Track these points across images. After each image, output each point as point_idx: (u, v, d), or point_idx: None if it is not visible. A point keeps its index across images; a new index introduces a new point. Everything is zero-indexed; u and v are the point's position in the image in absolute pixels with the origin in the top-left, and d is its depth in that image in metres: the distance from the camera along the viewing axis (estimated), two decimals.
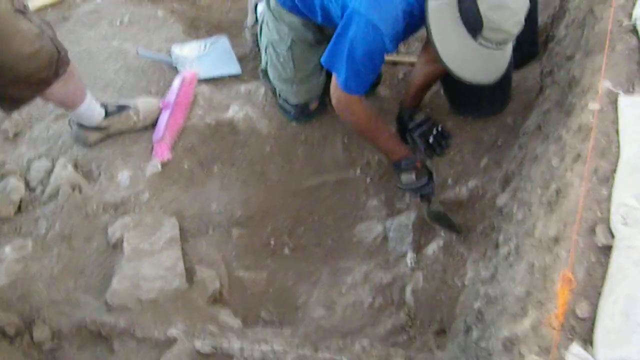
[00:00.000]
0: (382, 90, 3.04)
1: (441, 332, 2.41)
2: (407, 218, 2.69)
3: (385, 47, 2.28)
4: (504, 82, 2.56)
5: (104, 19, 3.38)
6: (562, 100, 2.34)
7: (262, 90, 2.92)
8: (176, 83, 2.84)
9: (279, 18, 2.72)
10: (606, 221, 1.63)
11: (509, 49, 2.27)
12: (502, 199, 2.47)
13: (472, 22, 2.12)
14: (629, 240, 1.55)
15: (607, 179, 1.72)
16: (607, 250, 1.57)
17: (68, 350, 2.41)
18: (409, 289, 2.51)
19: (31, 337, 2.42)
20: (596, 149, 1.83)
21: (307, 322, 2.50)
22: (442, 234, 2.61)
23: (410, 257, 2.59)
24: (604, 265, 1.55)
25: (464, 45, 2.18)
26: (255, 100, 2.90)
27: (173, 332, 2.35)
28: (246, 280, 2.60)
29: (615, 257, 1.53)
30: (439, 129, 2.81)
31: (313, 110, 2.86)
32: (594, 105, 1.98)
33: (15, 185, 2.68)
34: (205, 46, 3.16)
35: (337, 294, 2.57)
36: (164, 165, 2.69)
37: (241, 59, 3.17)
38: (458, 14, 2.15)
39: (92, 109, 2.63)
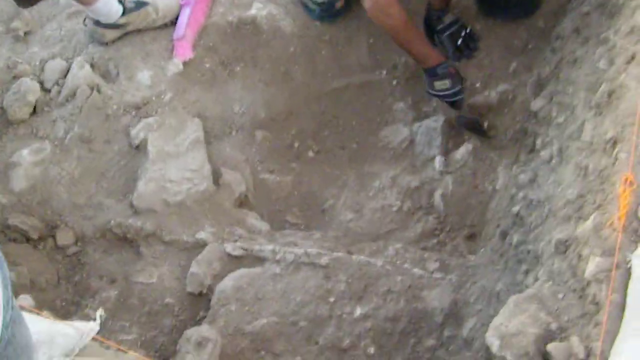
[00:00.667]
0: None
1: (471, 236, 2.40)
2: (435, 121, 2.62)
3: None
4: None
5: None
6: (605, 3, 2.26)
7: None
8: None
9: None
10: None
11: None
12: (537, 103, 2.40)
13: None
14: None
15: None
16: None
17: (93, 254, 2.39)
18: (438, 194, 2.48)
19: (55, 241, 2.39)
20: None
21: (336, 226, 2.48)
22: (471, 138, 2.56)
23: (439, 160, 2.54)
24: None
25: None
26: None
27: (202, 235, 2.33)
28: (271, 183, 2.56)
29: None
30: (468, 31, 2.71)
31: (338, 9, 2.75)
32: None
33: (29, 86, 2.57)
34: None
35: (364, 197, 2.54)
36: (185, 64, 2.59)
37: None
38: None
39: (110, 5, 2.51)
